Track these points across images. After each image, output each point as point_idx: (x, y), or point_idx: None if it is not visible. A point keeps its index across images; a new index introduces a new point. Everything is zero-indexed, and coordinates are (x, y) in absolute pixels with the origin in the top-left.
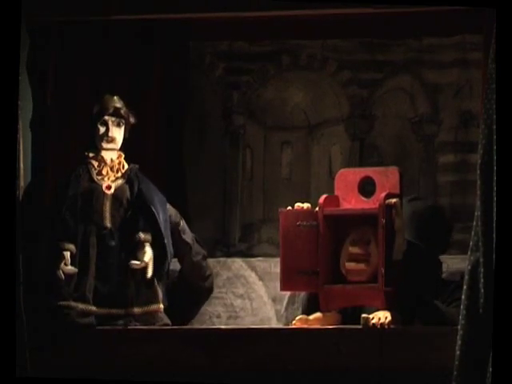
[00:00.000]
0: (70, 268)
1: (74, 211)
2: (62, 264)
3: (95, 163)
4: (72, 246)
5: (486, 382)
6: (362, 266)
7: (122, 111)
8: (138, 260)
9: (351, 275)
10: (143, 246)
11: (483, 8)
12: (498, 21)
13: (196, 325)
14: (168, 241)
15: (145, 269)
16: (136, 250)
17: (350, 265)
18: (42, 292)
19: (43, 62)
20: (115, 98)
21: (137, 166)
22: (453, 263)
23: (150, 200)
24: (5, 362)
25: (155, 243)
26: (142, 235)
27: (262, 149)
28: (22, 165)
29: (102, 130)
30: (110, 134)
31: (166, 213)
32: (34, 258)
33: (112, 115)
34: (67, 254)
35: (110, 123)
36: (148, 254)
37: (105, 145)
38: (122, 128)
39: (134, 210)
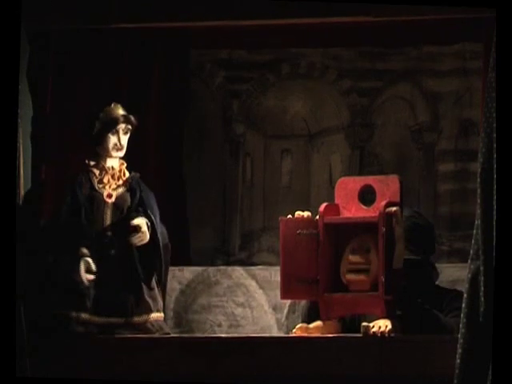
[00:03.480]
0: (91, 275)
1: (87, 218)
2: (85, 270)
3: (96, 171)
4: (88, 252)
5: None
6: (362, 277)
7: (132, 118)
8: (136, 232)
9: (352, 285)
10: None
11: (483, 15)
12: (497, 29)
13: (197, 333)
14: (162, 250)
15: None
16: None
17: (351, 276)
18: (61, 297)
19: (43, 70)
20: (119, 106)
21: (138, 174)
22: (453, 272)
23: (151, 210)
24: (5, 362)
25: (153, 252)
26: (134, 222)
27: (262, 157)
28: (21, 172)
29: (114, 139)
30: (122, 142)
31: (162, 225)
32: (35, 265)
33: (123, 123)
34: (90, 260)
35: (120, 132)
36: (138, 220)
37: (114, 153)
38: (128, 135)
39: (134, 218)
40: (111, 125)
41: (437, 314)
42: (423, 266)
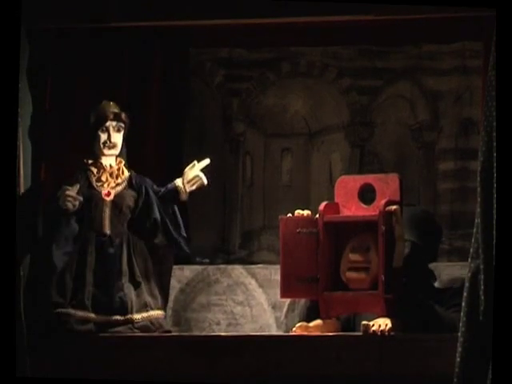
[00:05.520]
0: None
1: (85, 216)
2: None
3: (94, 170)
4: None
5: None
6: (362, 275)
7: (123, 116)
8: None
9: (352, 284)
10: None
11: (483, 13)
12: (497, 27)
13: (196, 332)
14: (165, 249)
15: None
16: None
17: (351, 274)
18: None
19: (43, 69)
20: (112, 103)
21: (135, 173)
22: (453, 270)
23: (151, 208)
24: (5, 362)
25: (151, 251)
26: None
27: (262, 156)
28: (21, 171)
29: (104, 136)
30: (112, 140)
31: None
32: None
33: (113, 120)
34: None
35: (111, 129)
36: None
37: (106, 151)
38: (122, 133)
39: (135, 217)
40: (100, 122)
41: (437, 309)
42: (422, 264)
